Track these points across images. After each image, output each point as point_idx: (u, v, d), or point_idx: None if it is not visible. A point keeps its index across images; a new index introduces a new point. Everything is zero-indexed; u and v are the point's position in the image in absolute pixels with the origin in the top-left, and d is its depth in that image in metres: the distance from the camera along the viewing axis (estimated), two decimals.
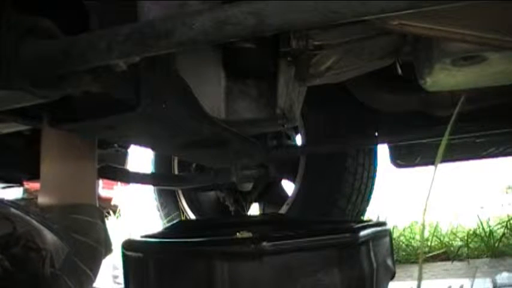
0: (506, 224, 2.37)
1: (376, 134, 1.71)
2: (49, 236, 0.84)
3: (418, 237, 2.52)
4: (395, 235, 2.50)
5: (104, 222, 1.05)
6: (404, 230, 2.70)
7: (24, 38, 0.62)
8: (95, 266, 0.97)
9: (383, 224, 1.08)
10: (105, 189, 5.29)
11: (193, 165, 1.95)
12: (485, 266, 2.00)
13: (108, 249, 1.03)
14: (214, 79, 1.06)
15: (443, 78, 0.99)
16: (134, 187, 3.80)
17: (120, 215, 4.03)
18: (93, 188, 1.07)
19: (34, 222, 0.84)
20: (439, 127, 1.26)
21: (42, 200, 1.00)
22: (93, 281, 0.97)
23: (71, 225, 0.95)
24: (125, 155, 1.68)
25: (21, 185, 1.44)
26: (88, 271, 0.93)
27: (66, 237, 0.88)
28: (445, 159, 1.61)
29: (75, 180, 1.02)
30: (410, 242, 2.45)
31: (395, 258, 1.12)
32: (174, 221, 1.91)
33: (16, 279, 0.72)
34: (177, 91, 0.93)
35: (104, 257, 1.01)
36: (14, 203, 0.86)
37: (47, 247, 0.81)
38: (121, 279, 1.39)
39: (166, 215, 2.31)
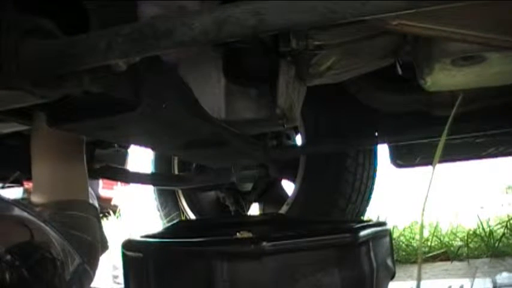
0: (506, 224, 2.37)
1: (376, 134, 1.71)
2: (62, 245, 0.85)
3: (418, 237, 2.52)
4: (395, 235, 2.50)
5: (98, 218, 1.04)
6: (404, 230, 2.69)
7: (24, 38, 0.62)
8: (93, 262, 0.97)
9: (383, 224, 1.08)
10: (105, 189, 5.29)
11: (193, 165, 1.95)
12: (485, 266, 2.00)
13: (104, 245, 1.03)
14: (214, 79, 1.06)
15: (443, 78, 0.99)
16: (134, 187, 3.80)
17: (120, 215, 4.02)
18: (85, 184, 1.07)
19: (49, 230, 0.85)
20: (439, 127, 1.25)
21: (35, 198, 1.00)
22: (92, 278, 0.96)
23: (67, 221, 0.95)
24: (124, 155, 1.68)
25: (21, 185, 1.44)
26: (88, 268, 0.93)
27: (77, 245, 0.89)
28: (445, 159, 1.61)
29: (66, 177, 1.02)
30: (411, 242, 2.45)
31: (395, 258, 1.12)
32: (174, 221, 1.91)
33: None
34: (177, 91, 0.93)
35: (100, 254, 1.01)
36: (28, 207, 0.86)
37: (59, 257, 0.81)
38: (121, 279, 1.38)
39: (166, 215, 2.31)
